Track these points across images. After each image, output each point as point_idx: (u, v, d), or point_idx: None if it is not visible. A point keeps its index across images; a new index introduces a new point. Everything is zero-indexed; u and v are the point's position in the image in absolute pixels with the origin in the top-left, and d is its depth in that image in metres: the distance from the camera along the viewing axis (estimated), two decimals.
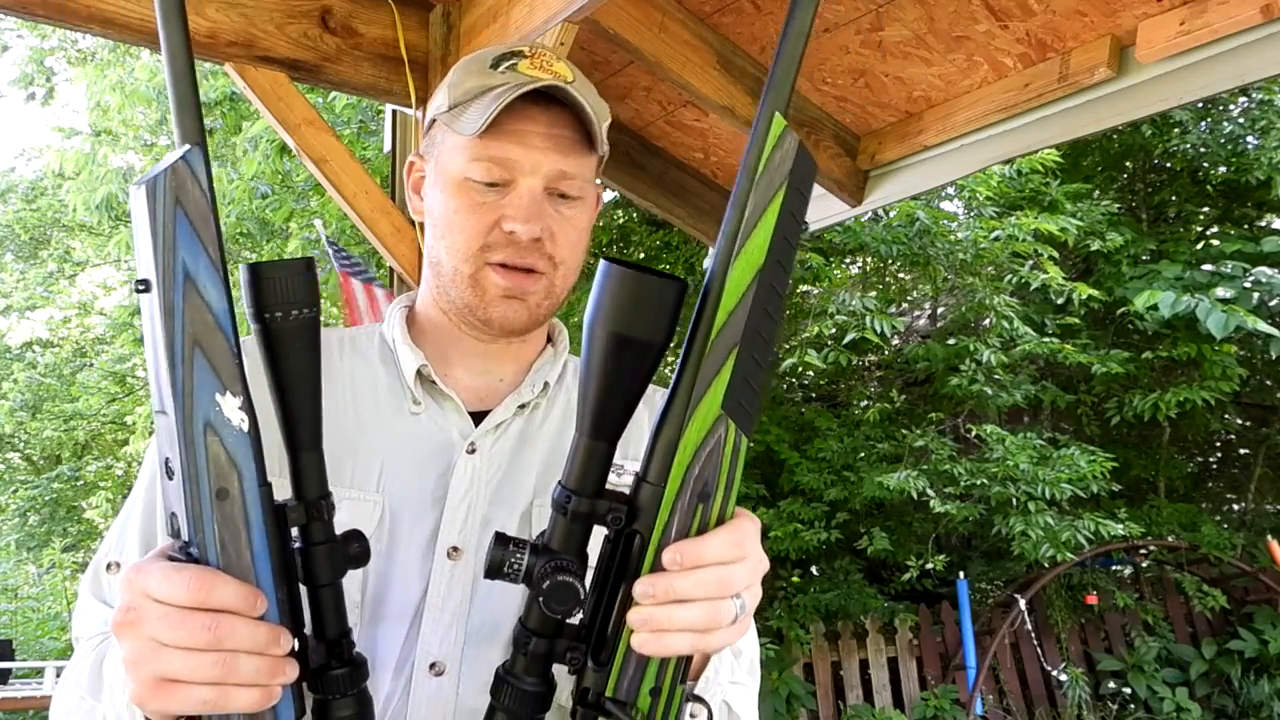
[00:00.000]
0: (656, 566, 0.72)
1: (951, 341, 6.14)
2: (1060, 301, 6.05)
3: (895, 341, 7.10)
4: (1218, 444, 8.28)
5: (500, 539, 0.73)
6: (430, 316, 1.06)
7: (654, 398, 1.02)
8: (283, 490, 0.73)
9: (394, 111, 2.80)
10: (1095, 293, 5.82)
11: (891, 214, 5.83)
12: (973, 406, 6.26)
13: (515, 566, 0.73)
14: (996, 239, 5.72)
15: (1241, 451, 8.13)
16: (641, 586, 0.71)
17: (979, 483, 5.54)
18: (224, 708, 0.66)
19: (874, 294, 6.13)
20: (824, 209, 2.91)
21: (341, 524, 0.77)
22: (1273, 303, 6.02)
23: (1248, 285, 5.54)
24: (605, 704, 0.73)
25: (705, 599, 0.71)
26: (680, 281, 0.71)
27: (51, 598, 10.52)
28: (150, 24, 2.11)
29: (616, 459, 1.00)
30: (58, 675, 6.63)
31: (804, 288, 6.47)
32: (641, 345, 0.71)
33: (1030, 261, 5.97)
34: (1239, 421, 7.87)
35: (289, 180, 6.22)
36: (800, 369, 5.73)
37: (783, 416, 6.68)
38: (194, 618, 0.65)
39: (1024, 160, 5.70)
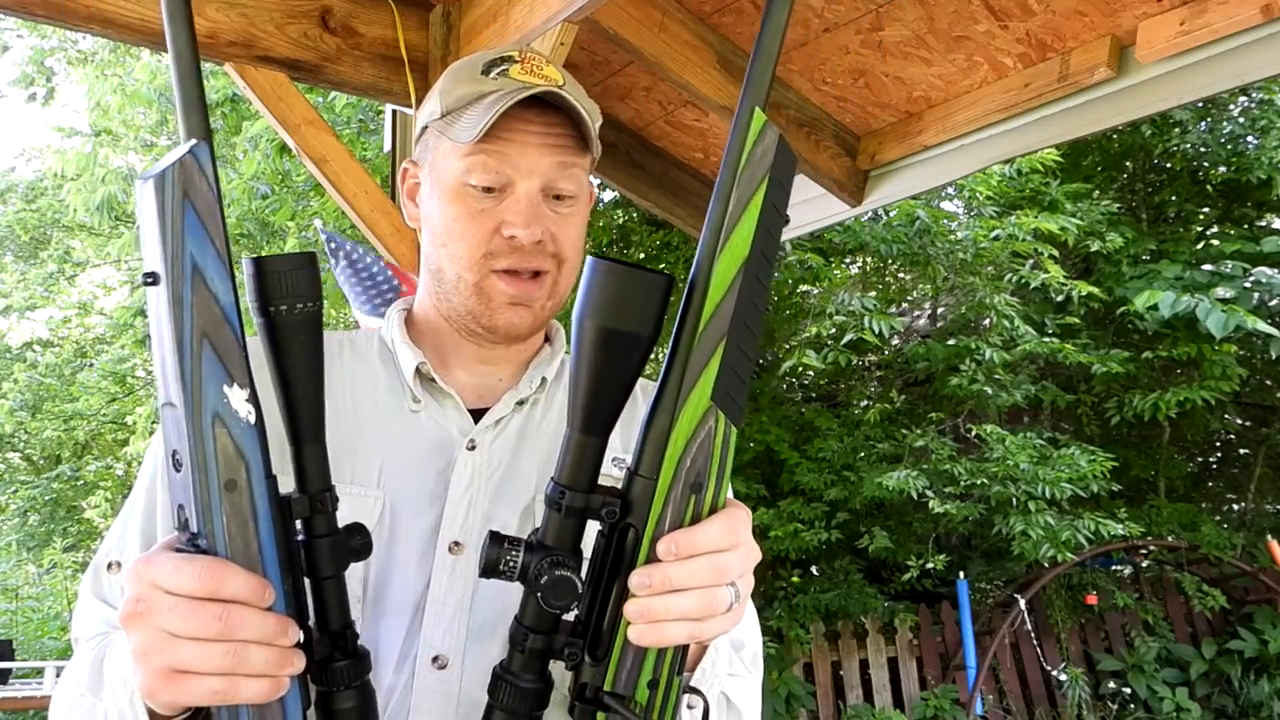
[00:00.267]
0: (651, 559, 0.72)
1: (951, 341, 6.14)
2: (1060, 300, 6.05)
3: (895, 341, 7.10)
4: (1218, 444, 8.27)
5: (495, 538, 0.74)
6: (429, 320, 1.07)
7: (652, 391, 1.03)
8: (284, 485, 0.74)
9: (394, 111, 2.80)
10: (1095, 290, 5.82)
11: (891, 214, 5.83)
12: (973, 406, 6.26)
13: (510, 565, 0.73)
14: (996, 238, 5.72)
15: (1241, 451, 8.12)
16: (637, 578, 0.71)
17: (979, 483, 5.54)
18: (233, 698, 0.67)
19: (874, 294, 6.13)
20: (824, 209, 2.91)
21: (342, 519, 0.77)
22: (1273, 303, 6.03)
23: (1248, 285, 5.55)
24: (603, 698, 0.73)
25: (701, 587, 0.72)
26: (667, 276, 0.72)
27: (51, 598, 10.51)
28: (150, 24, 2.12)
29: (619, 452, 1.00)
30: (58, 675, 6.61)
31: (804, 288, 6.47)
32: (629, 338, 0.72)
33: (1030, 260, 5.97)
34: (1239, 421, 7.87)
35: (289, 180, 6.22)
36: (800, 369, 5.73)
37: (783, 416, 6.67)
38: (205, 608, 0.66)
39: (1024, 160, 5.70)
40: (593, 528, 0.76)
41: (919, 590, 6.70)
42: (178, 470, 0.69)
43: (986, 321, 6.28)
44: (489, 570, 0.73)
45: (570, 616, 0.76)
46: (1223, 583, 6.83)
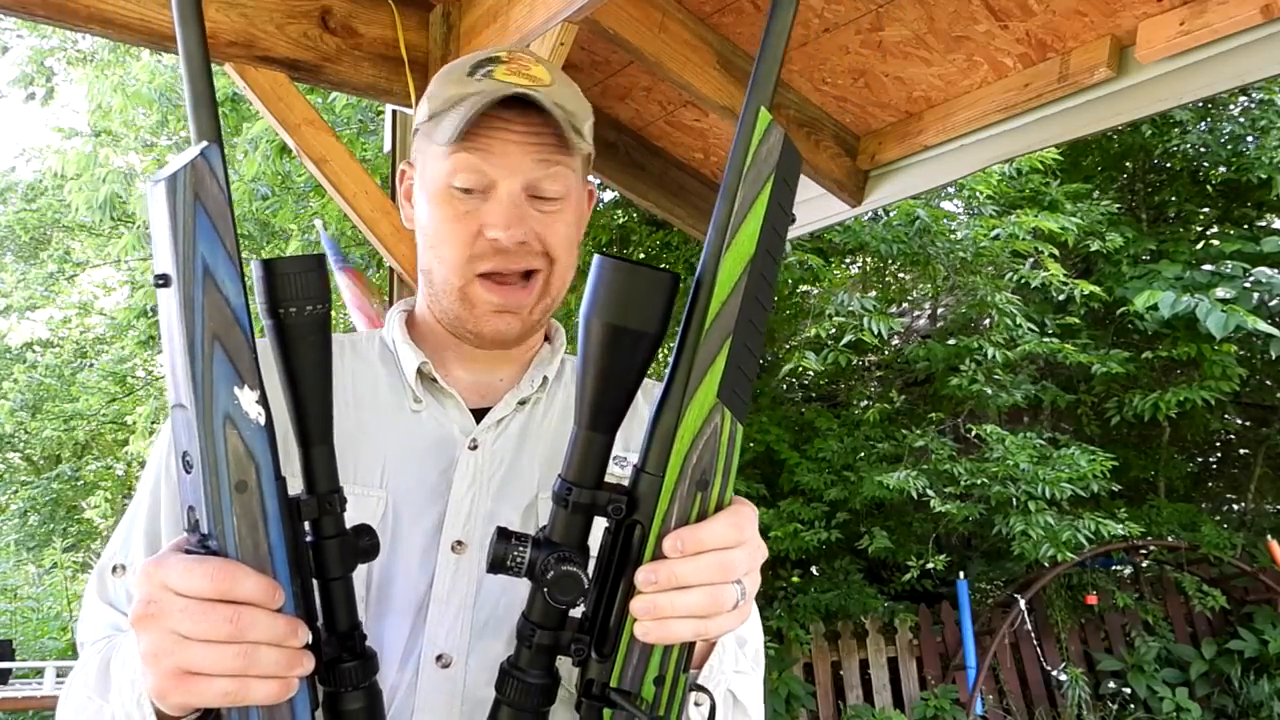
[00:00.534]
0: (657, 555, 0.73)
1: (952, 341, 6.14)
2: (1061, 299, 6.06)
3: (895, 341, 7.10)
4: (1218, 444, 8.27)
5: (502, 534, 0.74)
6: (428, 321, 1.07)
7: (654, 391, 1.04)
8: (291, 486, 0.74)
9: (394, 111, 2.80)
10: (1096, 289, 5.82)
11: (891, 213, 5.83)
12: (973, 406, 6.26)
13: (518, 560, 0.74)
14: (996, 238, 5.72)
15: (1241, 451, 8.12)
16: (644, 574, 0.72)
17: (979, 482, 5.54)
18: (244, 700, 0.67)
19: (874, 294, 6.13)
20: (824, 209, 2.91)
21: (345, 519, 0.78)
22: (1273, 303, 6.02)
23: (1248, 285, 5.54)
24: (610, 695, 0.74)
25: (707, 584, 0.72)
26: (673, 274, 0.73)
27: (51, 598, 10.49)
28: (150, 24, 2.12)
29: (619, 450, 1.01)
30: (58, 675, 6.62)
31: (804, 288, 6.46)
32: (635, 335, 0.72)
33: (1031, 259, 5.97)
34: (1239, 421, 7.87)
35: (289, 181, 6.22)
36: (799, 370, 5.73)
37: (783, 416, 6.67)
38: (217, 610, 0.66)
39: (1024, 160, 5.70)
40: (599, 525, 0.76)
41: (919, 590, 6.69)
42: (188, 472, 0.69)
43: (987, 321, 6.28)
44: (496, 565, 0.74)
45: (577, 613, 0.76)
46: (1223, 583, 6.83)
